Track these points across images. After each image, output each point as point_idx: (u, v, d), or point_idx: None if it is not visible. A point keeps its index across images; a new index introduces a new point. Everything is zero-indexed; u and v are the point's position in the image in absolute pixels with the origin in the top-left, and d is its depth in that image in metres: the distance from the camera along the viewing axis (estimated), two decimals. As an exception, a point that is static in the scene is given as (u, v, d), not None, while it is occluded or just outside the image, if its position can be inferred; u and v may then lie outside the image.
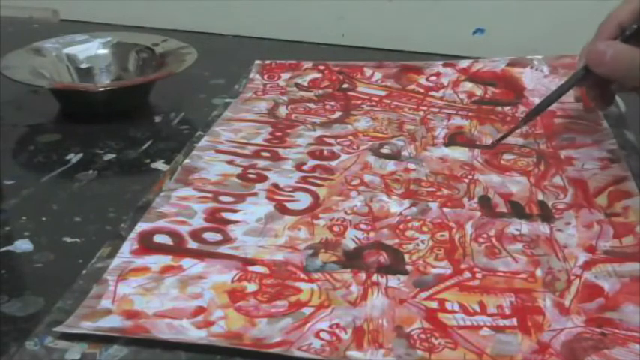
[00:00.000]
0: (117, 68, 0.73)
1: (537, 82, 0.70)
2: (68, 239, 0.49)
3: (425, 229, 0.50)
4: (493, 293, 0.43)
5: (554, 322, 0.41)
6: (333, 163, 0.58)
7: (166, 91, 0.71)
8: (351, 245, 0.48)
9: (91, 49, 0.74)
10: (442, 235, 0.49)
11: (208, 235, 0.48)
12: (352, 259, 0.46)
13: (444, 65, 0.73)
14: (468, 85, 0.71)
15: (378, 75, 0.73)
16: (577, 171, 0.56)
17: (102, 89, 0.68)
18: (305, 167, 0.57)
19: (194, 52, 0.71)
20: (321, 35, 0.87)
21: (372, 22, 0.86)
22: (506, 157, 0.59)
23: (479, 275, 0.45)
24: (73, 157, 0.60)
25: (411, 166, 0.57)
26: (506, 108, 0.67)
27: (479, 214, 0.51)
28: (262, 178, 0.55)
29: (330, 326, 0.40)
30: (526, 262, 0.46)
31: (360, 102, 0.69)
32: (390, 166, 0.57)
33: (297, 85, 0.72)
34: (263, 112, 0.67)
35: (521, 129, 0.63)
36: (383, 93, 0.71)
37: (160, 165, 0.59)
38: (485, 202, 0.53)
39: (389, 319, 0.41)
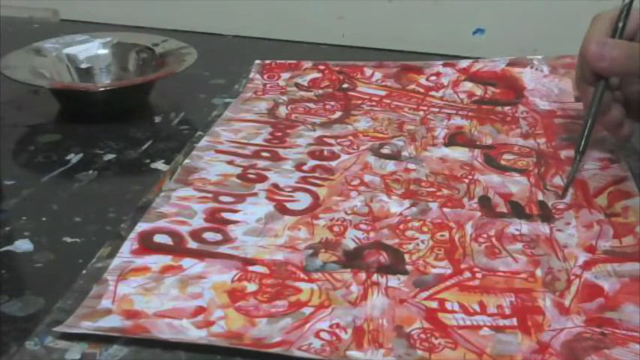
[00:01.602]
0: (117, 68, 0.73)
1: (537, 82, 0.70)
2: (68, 239, 0.49)
3: (425, 229, 0.50)
4: (493, 293, 0.43)
5: (554, 322, 0.41)
6: (333, 163, 0.58)
7: (166, 91, 0.71)
8: (351, 245, 0.48)
9: (91, 49, 0.74)
10: (442, 235, 0.49)
11: (208, 235, 0.48)
12: (352, 259, 0.46)
13: (444, 65, 0.73)
14: (468, 85, 0.71)
15: (378, 75, 0.73)
16: (577, 171, 0.56)
17: (102, 89, 0.68)
18: (305, 167, 0.57)
19: (194, 52, 0.71)
20: (321, 35, 0.87)
21: (372, 22, 0.86)
22: (506, 157, 0.59)
23: (479, 275, 0.45)
24: (73, 157, 0.60)
25: (411, 166, 0.57)
26: (506, 108, 0.67)
27: (479, 214, 0.51)
28: (262, 178, 0.55)
29: (330, 326, 0.40)
30: (526, 262, 0.46)
31: (360, 102, 0.69)
32: (390, 166, 0.57)
33: (297, 85, 0.72)
34: (263, 112, 0.67)
35: (522, 129, 0.63)
36: (383, 93, 0.71)
37: (160, 165, 0.59)
38: (485, 202, 0.53)
39: (389, 319, 0.41)
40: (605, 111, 0.55)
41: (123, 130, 0.64)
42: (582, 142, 0.55)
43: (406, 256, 0.47)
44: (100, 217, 0.51)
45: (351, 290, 0.43)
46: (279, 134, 0.62)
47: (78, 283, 0.44)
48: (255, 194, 0.53)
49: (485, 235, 0.49)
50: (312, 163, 0.58)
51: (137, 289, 0.43)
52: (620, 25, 0.54)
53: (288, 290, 0.43)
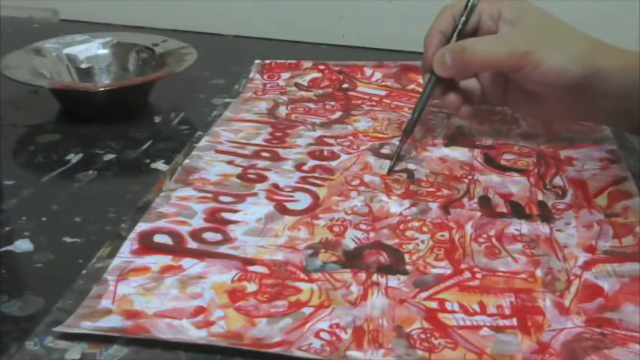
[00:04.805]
0: (117, 68, 0.73)
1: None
2: (68, 239, 0.49)
3: (425, 229, 0.50)
4: (493, 293, 0.43)
5: (554, 322, 0.41)
6: (333, 163, 0.58)
7: (166, 91, 0.71)
8: (351, 245, 0.48)
9: (91, 49, 0.74)
10: (442, 235, 0.49)
11: (208, 235, 0.48)
12: (352, 259, 0.46)
13: (444, 65, 0.73)
14: (468, 85, 0.71)
15: (378, 75, 0.73)
16: (577, 171, 0.56)
17: (102, 89, 0.68)
18: (305, 167, 0.57)
19: (194, 52, 0.71)
20: (321, 35, 0.87)
21: (372, 22, 0.86)
22: (506, 157, 0.59)
23: (479, 275, 0.45)
24: (73, 157, 0.60)
25: (411, 166, 0.57)
26: (506, 108, 0.67)
27: (479, 214, 0.51)
28: (262, 178, 0.55)
29: (330, 326, 0.40)
30: (526, 262, 0.46)
31: (360, 102, 0.69)
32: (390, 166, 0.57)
33: (297, 84, 0.72)
34: (263, 112, 0.67)
35: (522, 129, 0.63)
36: (383, 93, 0.71)
37: (160, 165, 0.59)
38: (485, 202, 0.53)
39: (389, 319, 0.41)
40: (442, 95, 0.59)
41: (123, 130, 0.65)
42: (409, 123, 0.58)
43: (406, 256, 0.47)
44: (100, 217, 0.51)
45: (351, 290, 0.43)
46: (279, 134, 0.62)
47: (78, 283, 0.44)
48: (255, 194, 0.53)
49: (485, 235, 0.49)
50: (312, 163, 0.58)
51: (137, 289, 0.43)
52: (463, 19, 0.58)
53: (288, 290, 0.43)
